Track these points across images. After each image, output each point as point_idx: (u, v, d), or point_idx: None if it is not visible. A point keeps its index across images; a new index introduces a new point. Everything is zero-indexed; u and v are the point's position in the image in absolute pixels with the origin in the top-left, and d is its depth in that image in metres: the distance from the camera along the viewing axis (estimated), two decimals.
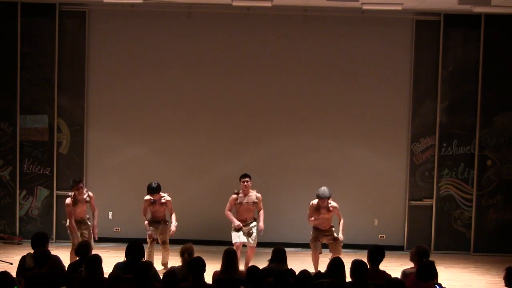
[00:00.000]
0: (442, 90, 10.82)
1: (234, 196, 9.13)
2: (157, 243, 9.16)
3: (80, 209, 8.91)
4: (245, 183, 9.04)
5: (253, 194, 9.14)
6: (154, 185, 9.00)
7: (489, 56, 10.74)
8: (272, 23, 10.86)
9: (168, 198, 9.13)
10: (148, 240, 9.02)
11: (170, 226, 9.07)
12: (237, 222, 9.04)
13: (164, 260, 9.09)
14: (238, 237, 8.99)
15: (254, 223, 9.18)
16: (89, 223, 9.00)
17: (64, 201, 9.00)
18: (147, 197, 9.07)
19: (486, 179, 10.87)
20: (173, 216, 9.12)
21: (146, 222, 9.07)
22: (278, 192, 10.88)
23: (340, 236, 8.92)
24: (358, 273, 5.91)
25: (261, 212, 9.21)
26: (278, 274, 5.87)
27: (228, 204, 9.18)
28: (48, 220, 10.84)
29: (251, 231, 9.12)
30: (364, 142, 10.93)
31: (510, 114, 10.84)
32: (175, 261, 8.19)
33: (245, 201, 9.10)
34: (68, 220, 8.87)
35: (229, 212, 9.19)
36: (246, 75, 10.93)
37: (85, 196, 8.95)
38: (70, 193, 8.97)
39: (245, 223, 9.10)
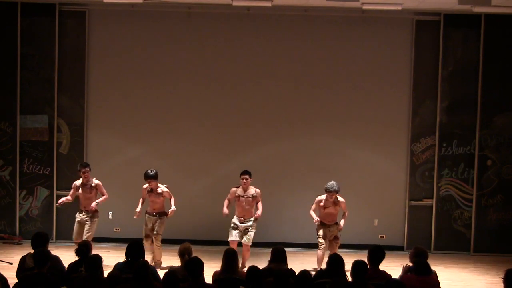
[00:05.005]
0: (442, 90, 10.82)
1: (234, 189, 9.28)
2: (152, 243, 9.19)
3: (83, 195, 9.18)
4: (244, 180, 9.18)
5: (252, 189, 9.25)
6: (150, 171, 9.17)
7: (489, 56, 10.74)
8: (272, 23, 10.86)
9: (165, 189, 9.23)
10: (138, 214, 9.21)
11: (165, 218, 9.26)
12: (224, 212, 9.16)
13: (156, 258, 9.12)
14: (233, 235, 9.14)
15: (252, 223, 9.19)
16: (94, 217, 9.20)
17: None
18: (145, 185, 9.23)
19: (486, 179, 10.87)
20: (172, 200, 9.25)
21: (139, 209, 9.20)
22: (278, 192, 10.88)
23: (341, 222, 9.17)
24: (358, 273, 5.92)
25: (260, 203, 9.28)
26: (278, 274, 5.88)
27: (228, 195, 9.32)
28: (48, 220, 10.84)
29: (247, 230, 9.15)
30: (364, 142, 10.93)
31: (510, 114, 10.84)
32: (174, 261, 8.20)
33: (244, 194, 9.18)
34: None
35: (225, 203, 9.30)
36: (245, 75, 10.93)
37: (90, 182, 9.21)
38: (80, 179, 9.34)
39: (244, 220, 9.15)
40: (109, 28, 10.89)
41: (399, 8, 9.90)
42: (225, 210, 9.21)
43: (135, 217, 9.22)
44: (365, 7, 9.93)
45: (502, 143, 10.86)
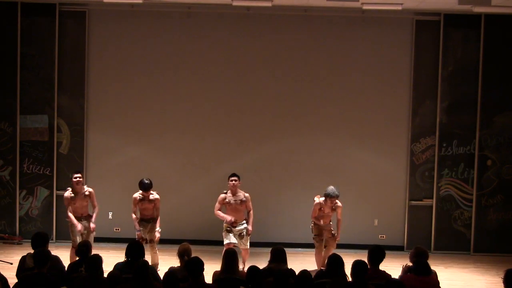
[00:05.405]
0: (442, 90, 10.82)
1: (223, 195, 9.12)
2: (146, 243, 9.14)
3: (78, 204, 8.91)
4: (233, 182, 9.03)
5: (241, 194, 9.12)
6: (147, 181, 8.99)
7: (489, 56, 10.74)
8: (272, 23, 10.86)
9: (157, 196, 9.10)
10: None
11: (156, 225, 9.07)
12: (228, 218, 9.01)
13: (153, 261, 9.01)
14: (229, 238, 9.01)
15: (245, 225, 9.14)
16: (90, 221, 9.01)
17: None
18: (136, 194, 9.06)
19: (486, 179, 10.87)
20: (158, 221, 9.09)
21: (135, 218, 9.05)
22: (278, 192, 10.88)
23: (338, 233, 9.05)
24: (358, 273, 5.92)
25: (251, 213, 9.19)
26: (278, 274, 5.87)
27: (217, 204, 9.13)
28: (48, 220, 10.85)
29: (242, 233, 9.09)
30: (364, 142, 10.93)
31: (510, 114, 10.84)
32: (174, 262, 8.19)
33: (233, 200, 9.07)
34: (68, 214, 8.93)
35: (218, 211, 9.12)
36: (246, 75, 10.93)
37: (83, 191, 8.94)
38: (69, 187, 9.02)
39: (236, 224, 9.07)
40: (109, 28, 10.89)
41: (399, 8, 9.91)
42: (228, 218, 9.01)
43: (137, 238, 8.88)
44: (365, 7, 9.93)
45: (502, 143, 10.86)
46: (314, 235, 9.08)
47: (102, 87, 10.92)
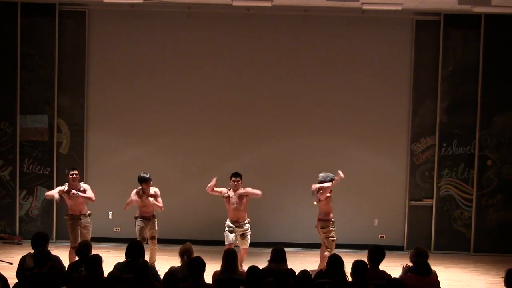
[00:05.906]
0: (442, 90, 10.82)
1: (225, 190, 9.07)
2: (147, 243, 9.12)
3: (74, 201, 8.86)
4: (236, 182, 8.99)
5: (241, 189, 9.03)
6: (145, 174, 8.98)
7: (489, 56, 10.74)
8: (272, 23, 10.87)
9: (156, 189, 9.06)
10: (138, 238, 8.91)
11: (156, 220, 9.05)
12: (214, 182, 8.99)
13: (151, 260, 8.98)
14: (230, 239, 8.98)
15: (248, 225, 9.10)
16: (88, 220, 8.98)
17: (64, 201, 9.00)
18: (135, 190, 9.02)
19: (486, 179, 10.87)
20: (160, 200, 9.03)
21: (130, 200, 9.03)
22: (278, 192, 10.88)
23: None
24: (358, 273, 5.93)
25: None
26: (278, 274, 5.88)
27: (219, 188, 9.08)
28: (48, 220, 10.85)
29: (244, 234, 9.06)
30: (364, 142, 10.93)
31: (510, 114, 10.85)
32: (174, 262, 8.20)
33: (233, 195, 8.98)
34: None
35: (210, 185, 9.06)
36: (246, 75, 10.93)
37: (80, 188, 8.89)
38: (66, 183, 9.01)
39: (238, 224, 9.03)
40: (109, 28, 10.89)
41: (399, 8, 9.91)
42: (213, 182, 9.01)
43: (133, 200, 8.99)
44: (365, 7, 9.93)
45: (502, 143, 10.86)
46: (333, 235, 8.75)
47: (102, 87, 10.92)
